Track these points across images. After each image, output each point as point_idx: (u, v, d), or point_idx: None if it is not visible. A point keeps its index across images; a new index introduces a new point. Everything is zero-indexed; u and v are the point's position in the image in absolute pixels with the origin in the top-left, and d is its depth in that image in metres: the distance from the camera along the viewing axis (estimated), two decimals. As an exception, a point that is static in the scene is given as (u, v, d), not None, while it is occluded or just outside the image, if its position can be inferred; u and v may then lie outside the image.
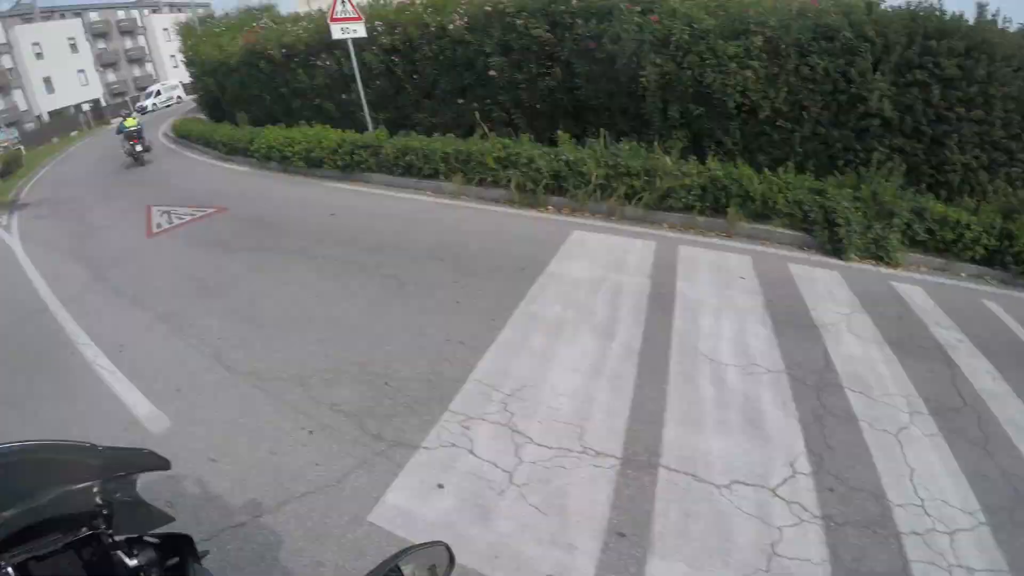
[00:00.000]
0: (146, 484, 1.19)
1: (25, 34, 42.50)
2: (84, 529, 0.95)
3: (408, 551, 0.92)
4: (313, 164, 10.05)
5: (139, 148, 14.17)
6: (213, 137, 13.74)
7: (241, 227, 7.57)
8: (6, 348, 4.97)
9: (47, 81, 43.26)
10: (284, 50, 11.95)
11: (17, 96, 42.31)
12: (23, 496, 0.94)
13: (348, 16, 9.48)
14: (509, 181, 7.52)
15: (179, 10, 58.30)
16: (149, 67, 53.43)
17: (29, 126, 41.37)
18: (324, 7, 10.89)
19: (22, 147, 33.01)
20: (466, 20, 8.72)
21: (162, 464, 1.16)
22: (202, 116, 17.93)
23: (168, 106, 37.58)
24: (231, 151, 12.80)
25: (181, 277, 6.01)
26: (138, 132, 14.29)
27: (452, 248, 6.05)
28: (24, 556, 0.88)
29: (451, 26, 8.81)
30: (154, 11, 54.37)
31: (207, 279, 5.83)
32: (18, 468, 1.01)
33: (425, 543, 0.98)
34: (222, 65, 14.06)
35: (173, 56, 54.59)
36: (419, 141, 8.82)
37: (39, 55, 42.93)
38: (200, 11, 24.76)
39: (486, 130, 8.47)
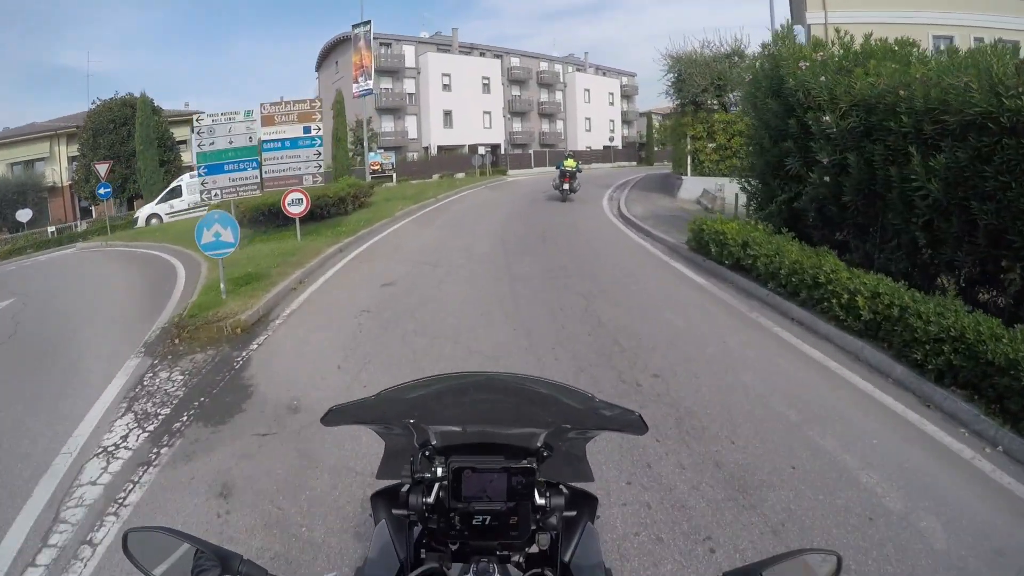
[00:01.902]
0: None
1: (436, 63, 45.07)
2: (525, 461, 1.19)
3: (803, 552, 1.00)
4: None
5: (566, 187, 18.45)
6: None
7: None
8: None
9: (447, 115, 45.65)
10: None
11: (409, 122, 45.30)
12: (515, 420, 1.33)
13: None
14: None
15: (603, 73, 60.00)
16: (559, 125, 54.14)
17: (412, 155, 43.68)
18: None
19: (392, 175, 32.52)
20: None
21: (642, 429, 1.29)
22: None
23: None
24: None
25: None
26: (572, 174, 18.47)
27: None
28: (465, 465, 1.16)
29: None
30: (579, 69, 56.15)
31: None
32: (531, 397, 1.39)
33: (821, 549, 1.00)
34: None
35: (588, 119, 54.77)
36: None
37: (446, 87, 45.31)
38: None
39: None
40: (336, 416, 1.29)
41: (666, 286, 8.29)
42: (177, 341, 6.60)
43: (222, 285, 7.78)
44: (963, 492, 3.70)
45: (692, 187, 17.20)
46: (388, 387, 1.33)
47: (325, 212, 14.83)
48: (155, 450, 4.28)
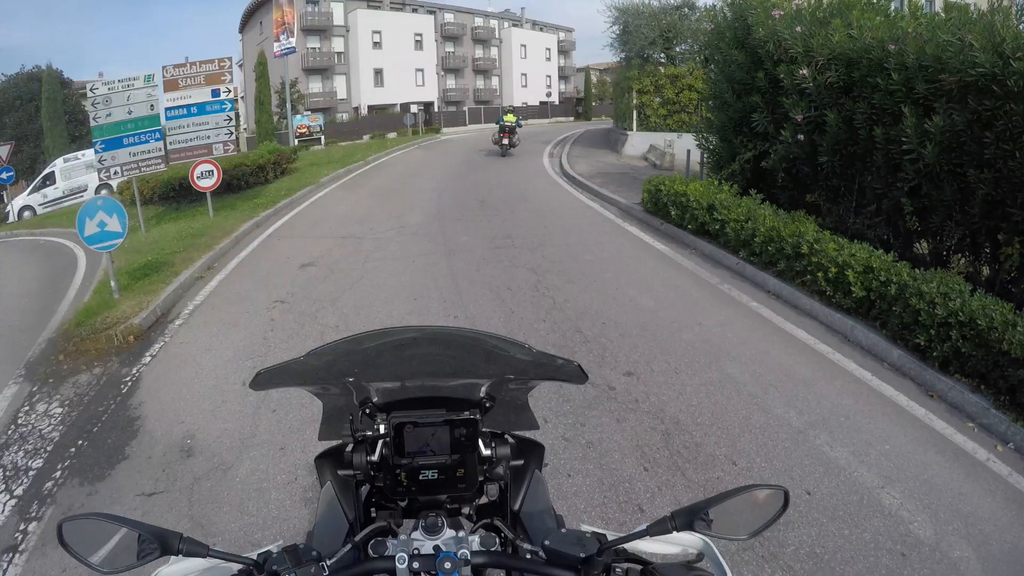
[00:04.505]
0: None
1: (366, 20, 42.26)
2: (467, 412, 1.16)
3: (751, 487, 0.98)
4: None
5: (506, 142, 18.11)
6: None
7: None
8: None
9: (377, 73, 43.08)
10: None
11: (338, 82, 42.39)
12: (455, 372, 1.34)
13: None
14: None
15: (540, 28, 58.05)
16: (495, 81, 52.18)
17: (342, 116, 41.05)
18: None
19: (320, 138, 30.37)
20: None
21: (582, 378, 1.27)
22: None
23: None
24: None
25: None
26: (511, 128, 18.08)
27: None
28: (406, 420, 1.14)
29: None
30: (515, 25, 54.03)
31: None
32: (470, 349, 1.32)
33: (768, 484, 1.00)
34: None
35: (524, 75, 52.82)
36: None
37: (376, 44, 42.47)
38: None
39: None
40: (265, 380, 1.23)
41: (625, 256, 7.54)
42: (61, 358, 5.41)
43: (113, 283, 6.49)
44: (987, 505, 3.20)
45: (638, 143, 16.48)
46: (316, 347, 1.22)
47: (243, 182, 13.33)
48: (22, 526, 3.23)
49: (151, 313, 5.93)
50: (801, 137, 6.70)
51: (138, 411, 4.29)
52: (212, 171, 10.23)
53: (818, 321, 5.41)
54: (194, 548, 0.91)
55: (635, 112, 16.54)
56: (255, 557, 0.98)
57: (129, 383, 4.74)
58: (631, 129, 16.90)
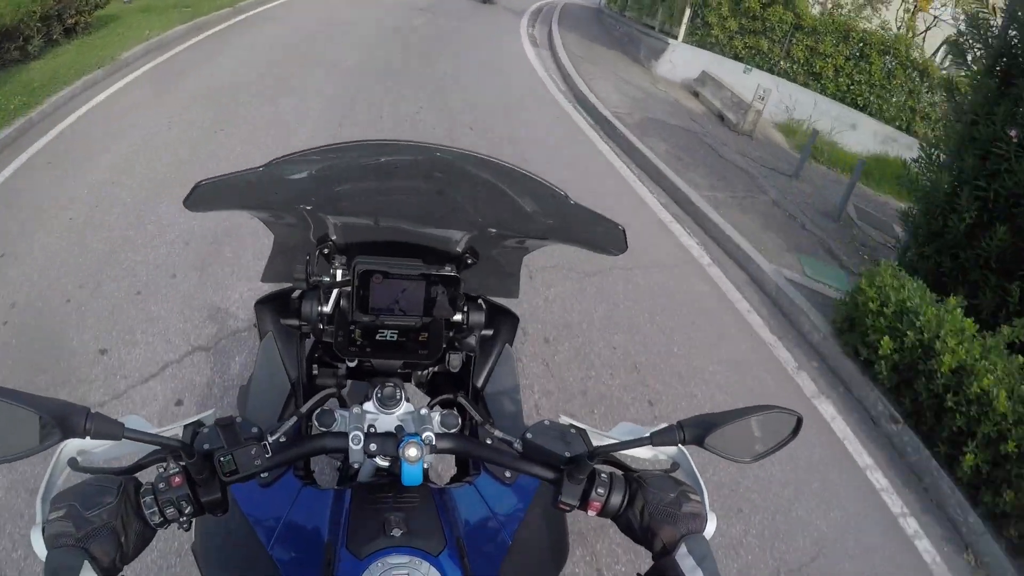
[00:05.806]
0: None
1: None
2: (448, 268, 0.97)
3: (767, 408, 0.84)
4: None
5: None
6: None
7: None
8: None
9: None
10: None
11: None
12: (442, 217, 1.06)
13: None
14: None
15: None
16: None
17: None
18: None
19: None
20: None
21: (621, 248, 1.03)
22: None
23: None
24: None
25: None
26: None
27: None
28: (373, 267, 0.93)
29: None
30: None
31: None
32: (469, 185, 0.99)
33: (783, 408, 0.85)
34: None
35: None
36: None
37: None
38: None
39: None
40: (205, 196, 0.92)
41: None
42: None
43: None
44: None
45: (683, 62, 10.67)
46: (283, 155, 0.88)
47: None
48: None
49: None
50: None
51: None
52: None
53: None
54: (105, 428, 0.70)
55: (688, 9, 10.44)
56: (180, 434, 0.80)
57: None
58: (674, 37, 10.84)
